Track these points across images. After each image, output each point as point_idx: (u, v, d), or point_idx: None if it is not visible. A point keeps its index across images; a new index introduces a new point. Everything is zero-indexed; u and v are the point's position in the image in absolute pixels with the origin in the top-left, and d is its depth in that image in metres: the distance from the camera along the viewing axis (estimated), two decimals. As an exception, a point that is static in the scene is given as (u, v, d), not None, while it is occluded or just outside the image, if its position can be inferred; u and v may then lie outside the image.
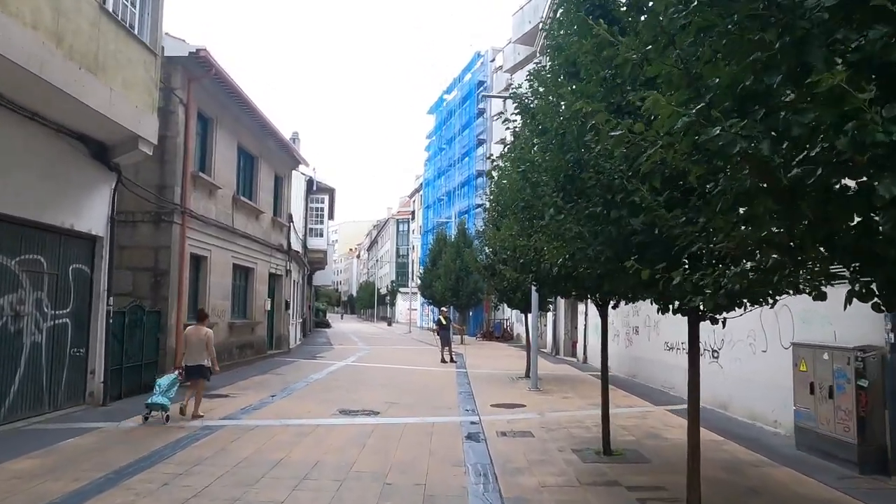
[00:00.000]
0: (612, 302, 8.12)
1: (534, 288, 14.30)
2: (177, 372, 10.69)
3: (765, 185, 2.57)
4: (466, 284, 35.81)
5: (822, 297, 3.10)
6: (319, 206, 35.15)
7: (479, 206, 35.37)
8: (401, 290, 73.05)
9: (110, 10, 9.66)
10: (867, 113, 2.07)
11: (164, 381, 10.25)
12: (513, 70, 37.98)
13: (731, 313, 4.94)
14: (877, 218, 2.50)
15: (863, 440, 7.67)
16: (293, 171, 27.00)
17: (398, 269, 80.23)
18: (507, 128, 7.89)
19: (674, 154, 2.85)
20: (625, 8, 5.58)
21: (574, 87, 5.46)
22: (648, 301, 7.37)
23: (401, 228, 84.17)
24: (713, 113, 2.45)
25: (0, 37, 7.02)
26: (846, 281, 3.26)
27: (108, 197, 11.56)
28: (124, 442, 8.70)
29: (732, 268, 3.61)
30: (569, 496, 6.55)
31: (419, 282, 46.41)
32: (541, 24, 7.25)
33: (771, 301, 4.49)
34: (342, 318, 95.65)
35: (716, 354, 12.17)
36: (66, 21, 8.27)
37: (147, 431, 9.45)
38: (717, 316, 5.18)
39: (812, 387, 8.52)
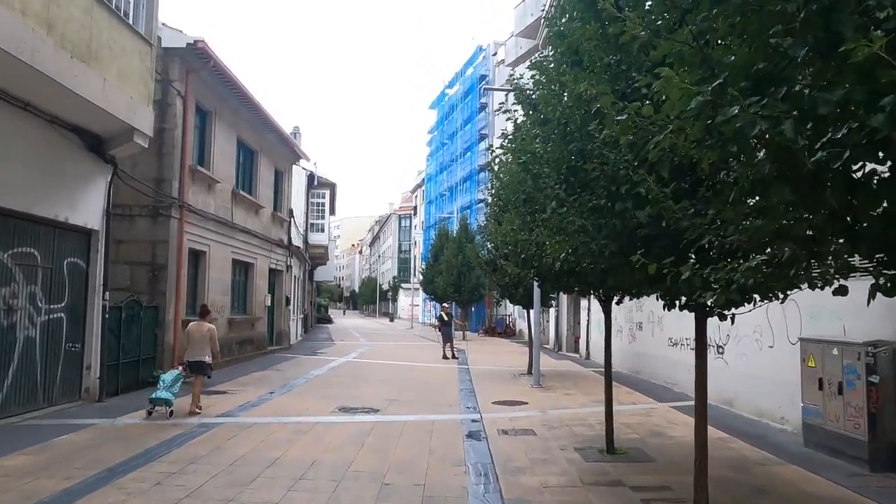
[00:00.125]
0: (616, 298, 7.94)
1: (536, 283, 14.13)
2: (181, 367, 10.71)
3: (784, 172, 2.37)
4: (468, 280, 35.66)
5: (842, 291, 2.91)
6: (320, 201, 34.98)
7: (481, 201, 35.16)
8: (403, 285, 72.99)
9: (104, -2, 9.48)
10: None
11: (168, 376, 10.30)
12: (515, 64, 37.66)
13: (740, 309, 4.77)
14: None
15: (873, 437, 7.51)
16: (294, 166, 26.81)
17: (400, 264, 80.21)
18: (508, 118, 7.68)
19: (684, 140, 2.65)
20: None
21: (577, 75, 5.24)
22: (652, 297, 7.21)
23: (403, 224, 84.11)
24: (730, 91, 2.25)
25: (-12, 23, 6.85)
26: (858, 274, 3.09)
27: (104, 190, 11.39)
28: (119, 439, 8.55)
29: (744, 261, 3.42)
30: (571, 497, 6.38)
31: (421, 277, 46.27)
32: (543, 14, 7.02)
33: (782, 296, 4.31)
34: (344, 314, 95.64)
35: (721, 350, 11.99)
36: (57, 8, 8.08)
37: (143, 428, 9.30)
38: (726, 312, 5.01)
39: (821, 383, 8.34)
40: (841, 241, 2.77)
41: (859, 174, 2.45)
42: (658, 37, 2.70)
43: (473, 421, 10.42)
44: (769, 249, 3.23)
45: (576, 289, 8.58)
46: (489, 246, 18.68)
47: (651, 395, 13.45)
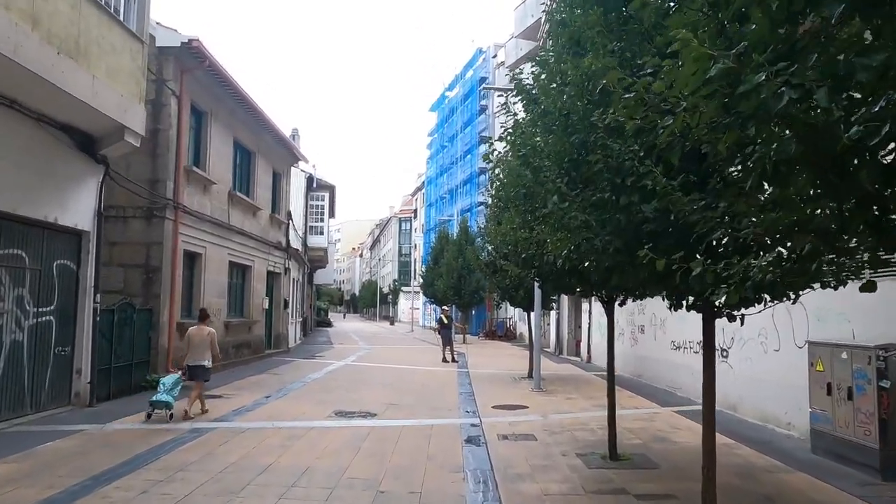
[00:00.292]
0: (619, 299, 7.69)
1: (536, 285, 13.91)
2: (180, 371, 10.69)
3: (812, 153, 2.12)
4: (468, 283, 35.39)
5: (870, 287, 2.66)
6: (320, 203, 34.76)
7: (482, 203, 34.93)
8: (403, 289, 72.70)
9: (92, -7, 9.25)
10: None
11: (168, 379, 10.28)
12: (515, 65, 37.53)
13: (749, 309, 4.53)
14: None
15: (885, 444, 7.23)
16: (292, 168, 26.60)
17: (401, 267, 79.93)
18: (507, 111, 7.44)
19: (699, 120, 2.40)
20: None
21: (580, 62, 5.00)
22: (655, 299, 6.96)
23: (403, 227, 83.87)
24: (755, 57, 2.00)
25: (-31, 17, 6.63)
26: (870, 273, 2.85)
27: (95, 190, 11.15)
28: (107, 445, 8.30)
29: (761, 255, 3.17)
30: (573, 506, 6.13)
31: (421, 280, 46.03)
32: (545, 9, 6.78)
33: (793, 296, 4.08)
34: (344, 318, 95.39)
35: (725, 354, 11.73)
36: (42, 2, 7.86)
37: (133, 434, 9.05)
38: (735, 312, 4.77)
39: (829, 387, 8.08)
40: (866, 233, 2.53)
41: (889, 158, 2.21)
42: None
43: (473, 425, 10.18)
44: (787, 243, 2.99)
45: (578, 290, 8.32)
46: (489, 248, 18.48)
47: (654, 400, 13.20)
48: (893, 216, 2.36)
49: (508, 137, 6.80)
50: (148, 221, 14.12)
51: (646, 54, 4.16)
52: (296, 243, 27.92)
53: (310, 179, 32.87)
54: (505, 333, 39.01)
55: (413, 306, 61.52)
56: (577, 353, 24.11)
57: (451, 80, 59.37)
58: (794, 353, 9.51)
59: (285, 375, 16.91)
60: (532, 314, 16.92)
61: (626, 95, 2.69)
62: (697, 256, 4.12)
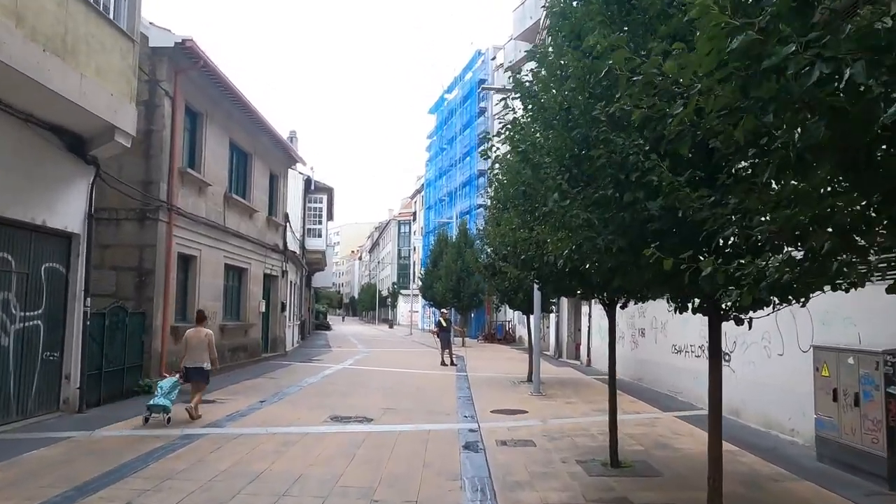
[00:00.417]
0: (620, 301, 7.48)
1: (536, 287, 13.70)
2: (177, 374, 10.59)
3: (841, 139, 1.91)
4: (468, 285, 35.19)
5: (897, 289, 2.47)
6: (318, 206, 34.54)
7: (481, 206, 34.74)
8: (402, 291, 72.46)
9: (80, -10, 9.04)
10: None
11: (165, 383, 10.21)
12: (514, 67, 37.40)
13: (758, 312, 4.32)
14: None
15: (893, 453, 7.02)
16: (290, 171, 26.38)
17: (399, 270, 79.73)
18: (506, 105, 7.24)
19: (713, 105, 2.19)
20: None
21: (578, 54, 4.79)
22: (656, 301, 6.74)
23: (402, 230, 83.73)
24: (782, 27, 1.79)
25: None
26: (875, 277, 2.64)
27: (86, 192, 10.92)
28: (94, 453, 8.06)
29: (774, 255, 2.97)
30: (574, 516, 5.92)
31: (420, 283, 45.81)
32: (544, 3, 6.57)
33: (803, 299, 3.87)
34: (343, 321, 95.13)
35: (728, 357, 11.51)
36: (27, -1, 7.65)
37: (121, 441, 8.81)
38: (743, 315, 4.56)
39: (835, 393, 7.88)
40: (894, 230, 2.33)
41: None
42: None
43: (471, 431, 9.96)
44: (803, 242, 2.78)
45: (578, 292, 8.11)
46: (488, 250, 18.28)
47: (655, 404, 12.97)
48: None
49: (507, 134, 6.59)
50: (141, 224, 13.89)
51: (651, 44, 3.96)
52: (293, 246, 27.69)
53: (308, 182, 32.65)
54: (504, 336, 38.81)
55: (412, 309, 61.28)
56: (577, 357, 23.90)
57: (450, 82, 59.30)
58: (798, 357, 9.30)
59: (281, 379, 16.67)
60: (531, 317, 16.73)
61: (634, 78, 2.49)
62: (703, 257, 3.92)
